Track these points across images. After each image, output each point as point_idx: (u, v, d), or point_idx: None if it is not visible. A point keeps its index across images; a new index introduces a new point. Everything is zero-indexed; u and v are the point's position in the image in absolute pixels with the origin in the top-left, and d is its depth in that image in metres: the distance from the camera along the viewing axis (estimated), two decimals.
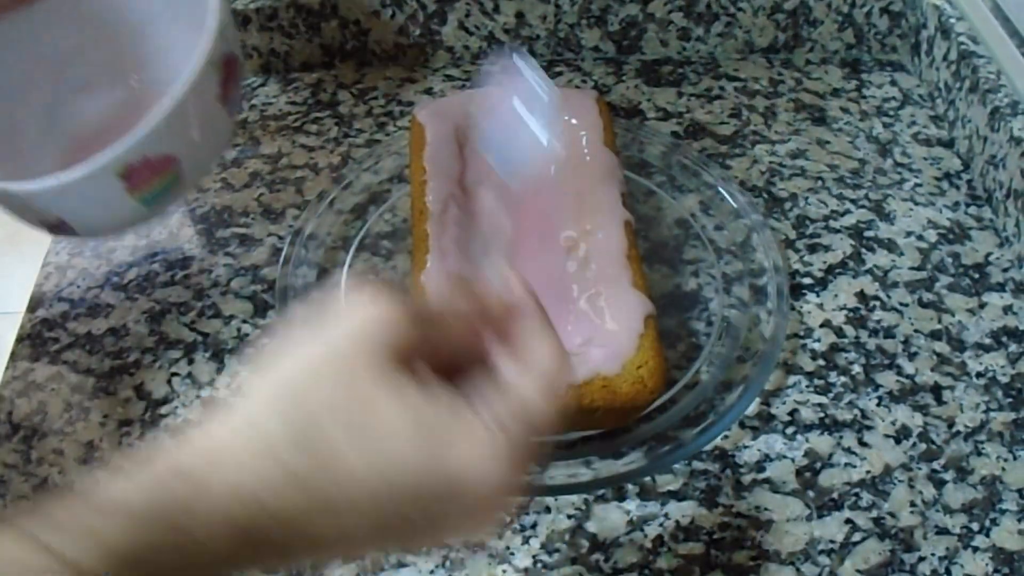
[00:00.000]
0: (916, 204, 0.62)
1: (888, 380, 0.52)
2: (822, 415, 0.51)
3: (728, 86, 0.72)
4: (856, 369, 0.53)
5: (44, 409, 0.53)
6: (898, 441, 0.49)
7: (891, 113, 0.69)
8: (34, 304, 0.59)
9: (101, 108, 0.61)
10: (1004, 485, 0.47)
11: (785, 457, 0.49)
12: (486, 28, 0.74)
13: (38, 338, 0.57)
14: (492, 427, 0.30)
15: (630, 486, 0.48)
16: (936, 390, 0.52)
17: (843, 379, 0.52)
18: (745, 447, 0.49)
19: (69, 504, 0.27)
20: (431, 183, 0.56)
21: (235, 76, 0.53)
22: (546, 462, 0.48)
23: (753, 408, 0.51)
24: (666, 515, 0.47)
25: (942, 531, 0.46)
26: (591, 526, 0.47)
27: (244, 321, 0.57)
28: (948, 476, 0.48)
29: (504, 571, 0.45)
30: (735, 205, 0.60)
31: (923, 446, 0.49)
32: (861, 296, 0.57)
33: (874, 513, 0.47)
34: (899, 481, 0.48)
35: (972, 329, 0.54)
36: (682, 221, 0.61)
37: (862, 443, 0.49)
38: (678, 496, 0.48)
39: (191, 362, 0.55)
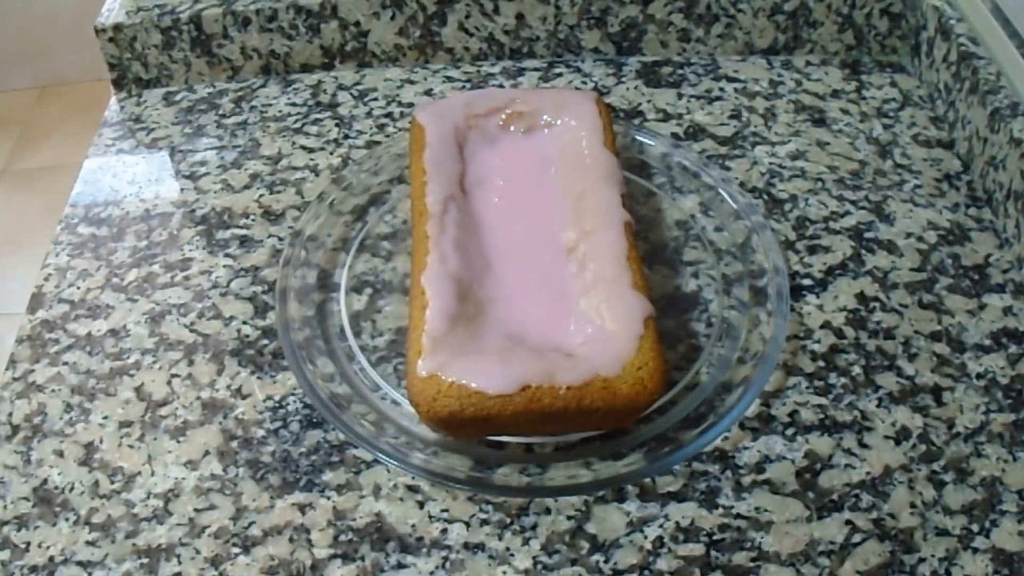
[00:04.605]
0: (916, 205, 0.62)
1: (888, 381, 0.52)
2: (822, 416, 0.51)
3: (728, 87, 0.72)
4: (856, 370, 0.53)
5: (44, 410, 0.53)
6: (898, 442, 0.49)
7: (891, 114, 0.69)
8: (34, 305, 0.59)
9: None
10: (1004, 486, 0.47)
11: (785, 458, 0.49)
12: (486, 29, 0.74)
13: (38, 339, 0.57)
14: None
15: (630, 487, 0.48)
16: (936, 391, 0.52)
17: (843, 380, 0.52)
18: (745, 448, 0.49)
19: None
20: (431, 184, 0.56)
21: None
22: (546, 463, 0.48)
23: (753, 409, 0.51)
24: (666, 516, 0.47)
25: (942, 532, 0.46)
26: (591, 527, 0.47)
27: (244, 322, 0.57)
28: (948, 477, 0.48)
29: (504, 572, 0.45)
30: (735, 206, 0.60)
31: (923, 447, 0.49)
32: (861, 297, 0.57)
33: (874, 514, 0.47)
34: (899, 482, 0.48)
35: (972, 330, 0.54)
36: (682, 222, 0.61)
37: (862, 444, 0.49)
38: (678, 497, 0.48)
39: (191, 363, 0.55)
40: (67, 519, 0.48)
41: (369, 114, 0.71)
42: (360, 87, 0.74)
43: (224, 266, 0.60)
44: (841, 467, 0.48)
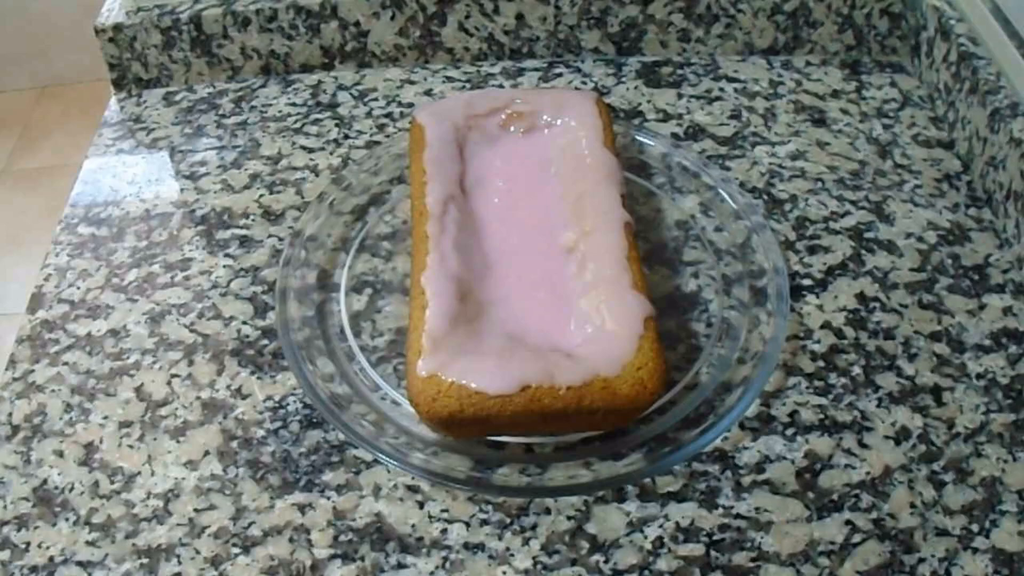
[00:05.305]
0: (916, 206, 0.62)
1: (888, 381, 0.52)
2: (822, 416, 0.51)
3: (728, 87, 0.72)
4: (856, 370, 0.53)
5: (44, 410, 0.53)
6: (898, 442, 0.49)
7: (891, 114, 0.69)
8: (34, 305, 0.59)
9: None
10: (1004, 486, 0.47)
11: (785, 458, 0.49)
12: (486, 29, 0.74)
13: (38, 339, 0.57)
14: None
15: (630, 487, 0.48)
16: (936, 391, 0.52)
17: (843, 380, 0.52)
18: (745, 448, 0.49)
19: None
20: (431, 184, 0.56)
21: None
22: (546, 463, 0.48)
23: (753, 409, 0.51)
24: (666, 516, 0.47)
25: (942, 532, 0.46)
26: (591, 527, 0.47)
27: (244, 323, 0.57)
28: (948, 477, 0.48)
29: (504, 572, 0.45)
30: (735, 207, 0.60)
31: (923, 447, 0.49)
32: (861, 297, 0.57)
33: (874, 514, 0.47)
34: (899, 482, 0.48)
35: (972, 330, 0.54)
36: (682, 223, 0.61)
37: (862, 444, 0.49)
38: (678, 497, 0.48)
39: (191, 363, 0.55)
40: (67, 519, 0.48)
41: (369, 114, 0.71)
42: (360, 87, 0.74)
43: (224, 266, 0.60)
44: (841, 467, 0.48)
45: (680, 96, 0.71)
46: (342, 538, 0.47)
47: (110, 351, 0.56)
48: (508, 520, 0.47)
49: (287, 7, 0.73)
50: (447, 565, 0.45)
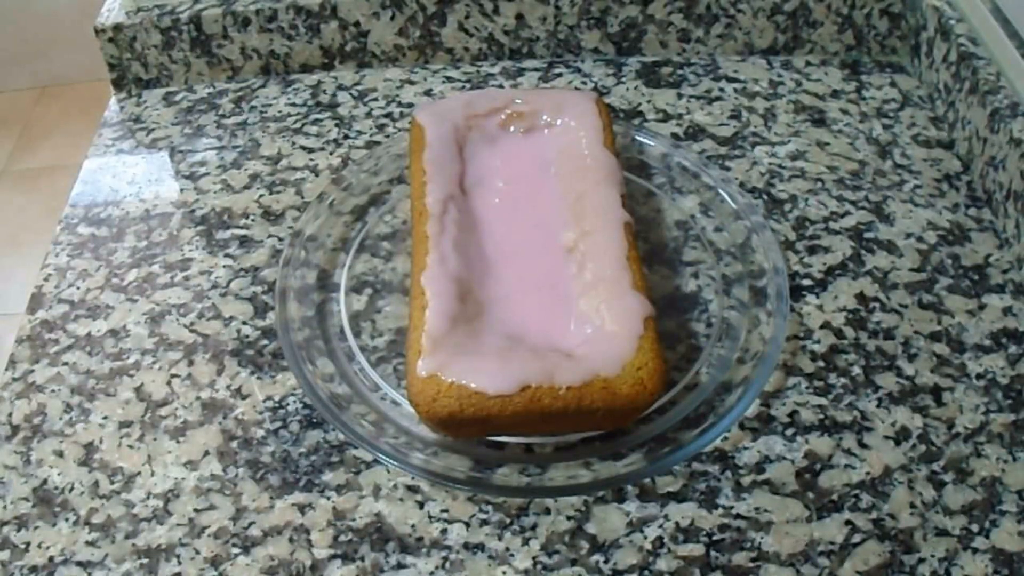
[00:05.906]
0: (916, 206, 0.62)
1: (888, 381, 0.52)
2: (822, 416, 0.51)
3: (728, 87, 0.72)
4: (856, 370, 0.53)
5: (44, 410, 0.53)
6: (898, 443, 0.49)
7: (891, 115, 0.69)
8: (34, 305, 0.59)
9: None
10: (1004, 487, 0.47)
11: (785, 458, 0.49)
12: (486, 30, 0.74)
13: (38, 339, 0.57)
14: None
15: (630, 487, 0.48)
16: (936, 391, 0.52)
17: (843, 380, 0.52)
18: (745, 448, 0.49)
19: None
20: (431, 184, 0.56)
21: None
22: (546, 463, 0.48)
23: (753, 409, 0.51)
24: (666, 516, 0.47)
25: (942, 532, 0.46)
26: (591, 527, 0.47)
27: (244, 323, 0.57)
28: (948, 477, 0.48)
29: (504, 572, 0.45)
30: (735, 207, 0.60)
31: (923, 447, 0.49)
32: (861, 297, 0.57)
33: (874, 514, 0.47)
34: (899, 482, 0.48)
35: (972, 331, 0.54)
36: (682, 223, 0.61)
37: (862, 444, 0.49)
38: (678, 498, 0.48)
39: (191, 363, 0.55)
40: (67, 519, 0.48)
41: (369, 114, 0.71)
42: (360, 87, 0.74)
43: (224, 266, 0.60)
44: (841, 467, 0.48)
45: (680, 96, 0.71)
46: (342, 538, 0.47)
47: (110, 351, 0.56)
48: (508, 520, 0.47)
49: (287, 7, 0.73)
50: (447, 565, 0.45)
